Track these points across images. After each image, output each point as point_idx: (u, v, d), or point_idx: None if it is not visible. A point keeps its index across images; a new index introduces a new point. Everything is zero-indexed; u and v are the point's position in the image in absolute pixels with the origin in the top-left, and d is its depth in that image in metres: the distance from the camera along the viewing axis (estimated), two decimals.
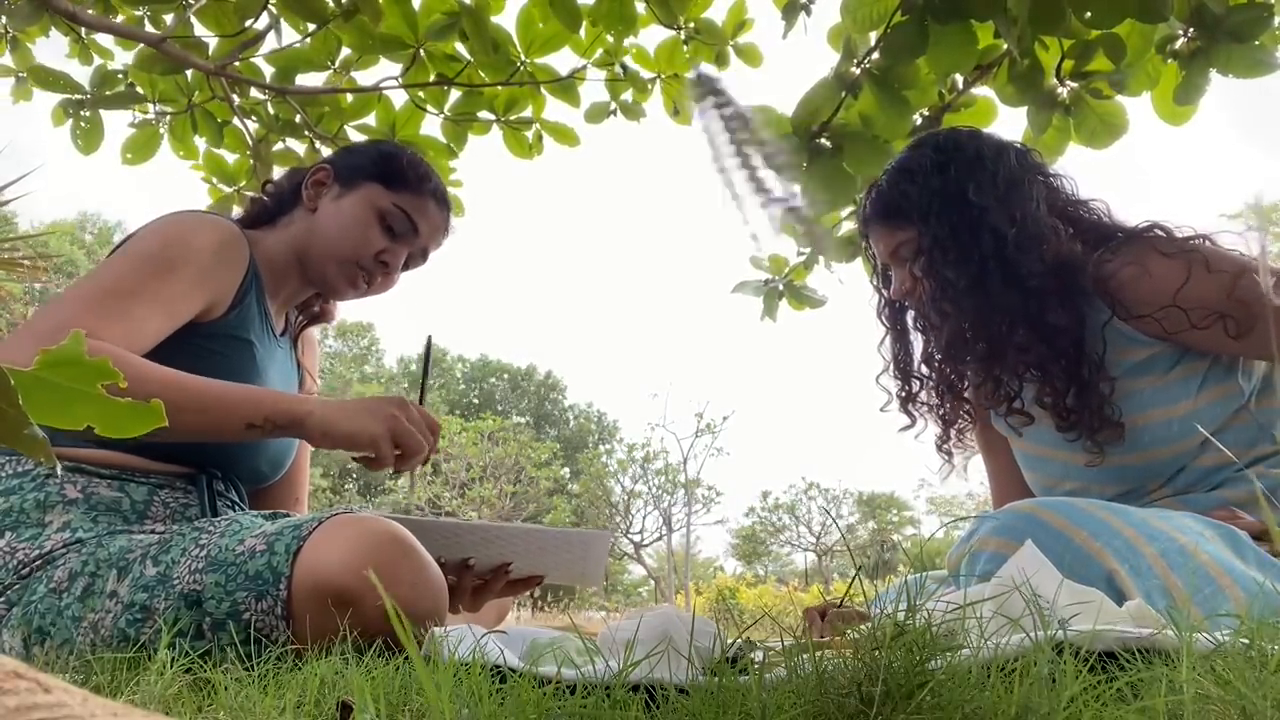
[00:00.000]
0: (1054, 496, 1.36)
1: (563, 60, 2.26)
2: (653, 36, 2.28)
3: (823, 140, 1.91)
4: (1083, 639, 0.65)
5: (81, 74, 2.35)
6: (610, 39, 2.21)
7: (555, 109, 2.39)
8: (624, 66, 2.33)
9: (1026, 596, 0.72)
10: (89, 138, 2.36)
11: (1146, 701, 0.54)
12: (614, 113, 2.44)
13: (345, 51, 2.22)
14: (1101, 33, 1.77)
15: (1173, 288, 1.31)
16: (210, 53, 2.16)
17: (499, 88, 2.28)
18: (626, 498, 23.18)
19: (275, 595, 1.07)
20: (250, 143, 2.45)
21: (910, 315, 1.59)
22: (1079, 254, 1.38)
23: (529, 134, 2.42)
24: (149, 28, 2.22)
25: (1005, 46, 1.83)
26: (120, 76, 2.35)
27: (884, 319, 1.62)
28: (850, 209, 2.41)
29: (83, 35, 2.36)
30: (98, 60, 2.38)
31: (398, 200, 1.45)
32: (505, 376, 32.53)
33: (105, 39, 2.37)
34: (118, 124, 2.82)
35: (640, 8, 2.12)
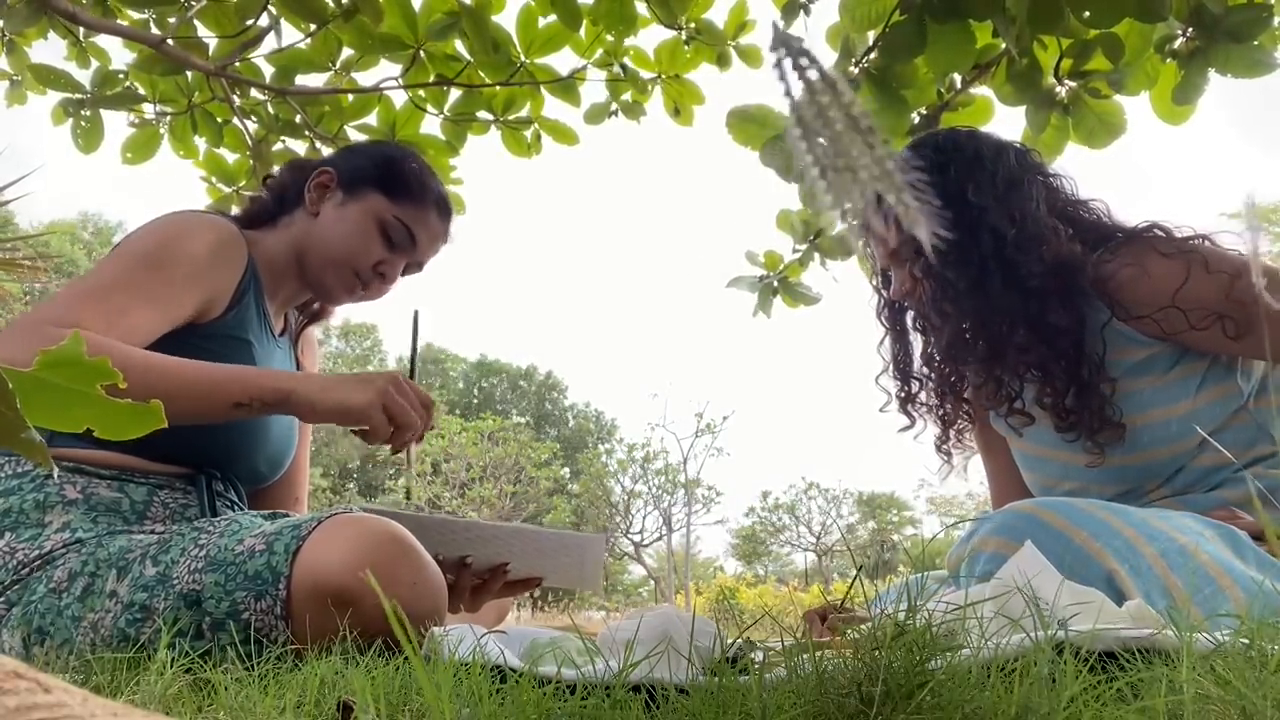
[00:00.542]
0: (1053, 497, 1.36)
1: (563, 60, 2.26)
2: (652, 36, 2.28)
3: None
4: (1083, 639, 0.65)
5: (79, 77, 2.35)
6: (610, 39, 2.21)
7: (555, 108, 2.39)
8: (624, 67, 2.33)
9: (1027, 596, 0.72)
10: (89, 137, 2.36)
11: (1146, 701, 0.54)
12: (614, 113, 2.44)
13: (345, 52, 2.22)
14: (1100, 32, 1.77)
15: (1172, 288, 1.31)
16: (210, 53, 2.16)
17: (497, 87, 2.28)
18: (626, 498, 23.18)
19: (275, 595, 1.08)
20: (250, 143, 2.45)
21: (910, 316, 1.59)
22: (1079, 254, 1.38)
23: (527, 133, 2.42)
24: (150, 28, 2.22)
25: (1003, 46, 1.83)
26: (121, 77, 2.35)
27: (883, 319, 1.63)
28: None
29: (81, 38, 2.36)
30: (96, 63, 2.38)
31: (399, 213, 1.46)
32: (505, 376, 32.52)
33: (104, 40, 2.37)
34: (118, 124, 2.81)
35: (641, 8, 2.12)
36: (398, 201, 1.46)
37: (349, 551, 1.07)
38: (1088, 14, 1.65)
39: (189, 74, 2.28)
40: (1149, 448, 1.38)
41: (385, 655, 0.86)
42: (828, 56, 1.90)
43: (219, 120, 2.42)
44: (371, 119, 2.39)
